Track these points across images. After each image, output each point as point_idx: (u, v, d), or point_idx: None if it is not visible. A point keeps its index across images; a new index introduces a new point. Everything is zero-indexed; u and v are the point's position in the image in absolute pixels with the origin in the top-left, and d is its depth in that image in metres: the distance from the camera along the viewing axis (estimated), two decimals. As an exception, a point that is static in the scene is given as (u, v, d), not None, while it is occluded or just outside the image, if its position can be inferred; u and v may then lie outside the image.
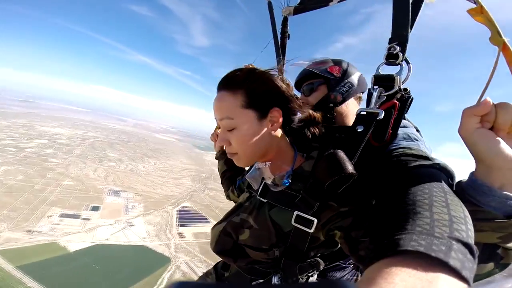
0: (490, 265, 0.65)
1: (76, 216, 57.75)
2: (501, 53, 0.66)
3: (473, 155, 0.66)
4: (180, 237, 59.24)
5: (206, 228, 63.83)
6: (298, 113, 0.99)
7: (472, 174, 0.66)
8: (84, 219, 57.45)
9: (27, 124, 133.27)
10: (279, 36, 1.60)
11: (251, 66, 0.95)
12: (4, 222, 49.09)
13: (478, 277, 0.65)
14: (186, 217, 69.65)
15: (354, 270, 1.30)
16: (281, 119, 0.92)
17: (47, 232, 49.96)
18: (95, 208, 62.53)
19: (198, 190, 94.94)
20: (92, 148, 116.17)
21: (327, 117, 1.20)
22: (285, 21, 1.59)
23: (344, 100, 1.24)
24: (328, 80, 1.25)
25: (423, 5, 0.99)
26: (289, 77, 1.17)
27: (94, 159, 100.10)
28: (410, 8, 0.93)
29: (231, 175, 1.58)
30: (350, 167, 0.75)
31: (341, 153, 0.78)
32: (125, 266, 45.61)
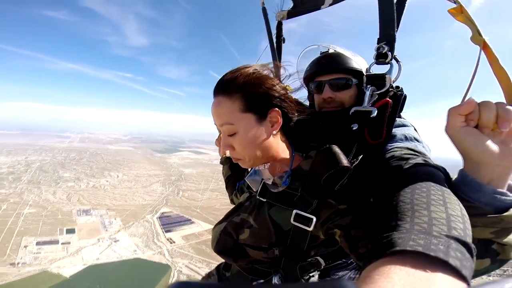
0: (487, 261, 0.64)
1: (54, 242, 52.77)
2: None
3: (460, 153, 0.68)
4: (171, 243, 57.63)
5: (193, 229, 63.10)
6: (295, 112, 0.97)
7: (461, 171, 0.68)
8: (63, 243, 52.73)
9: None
10: (274, 40, 1.59)
11: (247, 67, 0.90)
12: (-25, 262, 42.48)
13: (475, 274, 0.62)
14: (169, 222, 67.65)
15: (355, 270, 1.29)
16: (280, 120, 0.90)
17: (31, 262, 45.06)
18: (71, 231, 57.88)
19: (172, 193, 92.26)
20: (42, 171, 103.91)
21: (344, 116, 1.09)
22: (279, 25, 1.61)
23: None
24: (361, 81, 1.11)
25: (406, 5, 1.00)
26: (305, 62, 1.23)
27: (49, 183, 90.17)
28: (395, 8, 0.94)
29: (236, 179, 1.50)
30: (345, 161, 0.75)
31: (336, 148, 0.78)
32: (129, 281, 43.19)
